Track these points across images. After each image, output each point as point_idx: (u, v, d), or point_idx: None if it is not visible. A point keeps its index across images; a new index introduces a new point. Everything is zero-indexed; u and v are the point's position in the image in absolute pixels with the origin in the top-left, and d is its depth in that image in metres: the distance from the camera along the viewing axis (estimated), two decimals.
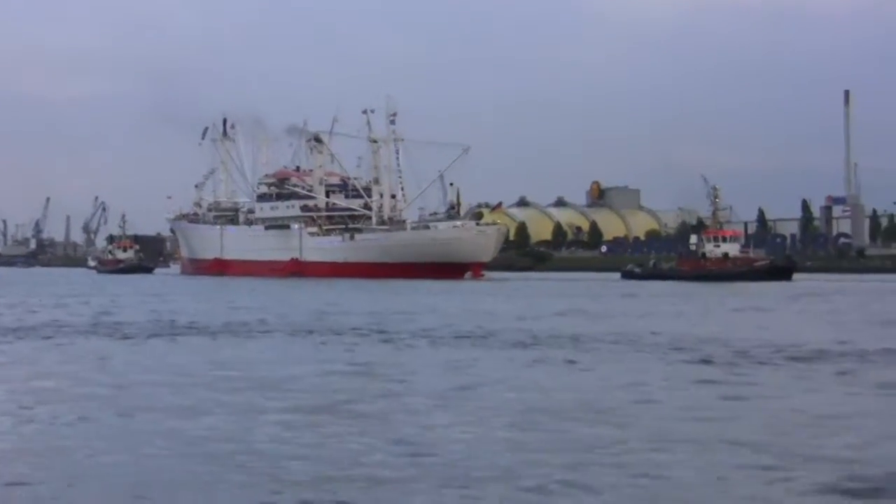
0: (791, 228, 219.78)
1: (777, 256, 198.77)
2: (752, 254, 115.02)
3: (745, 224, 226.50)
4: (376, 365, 25.89)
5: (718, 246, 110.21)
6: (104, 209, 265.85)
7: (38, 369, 25.17)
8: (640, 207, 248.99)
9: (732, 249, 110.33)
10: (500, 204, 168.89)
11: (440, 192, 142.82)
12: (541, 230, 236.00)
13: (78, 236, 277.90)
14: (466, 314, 47.70)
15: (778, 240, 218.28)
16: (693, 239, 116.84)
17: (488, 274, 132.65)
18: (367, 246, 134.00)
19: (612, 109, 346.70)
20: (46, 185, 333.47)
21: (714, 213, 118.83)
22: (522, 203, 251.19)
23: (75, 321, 42.95)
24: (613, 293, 76.79)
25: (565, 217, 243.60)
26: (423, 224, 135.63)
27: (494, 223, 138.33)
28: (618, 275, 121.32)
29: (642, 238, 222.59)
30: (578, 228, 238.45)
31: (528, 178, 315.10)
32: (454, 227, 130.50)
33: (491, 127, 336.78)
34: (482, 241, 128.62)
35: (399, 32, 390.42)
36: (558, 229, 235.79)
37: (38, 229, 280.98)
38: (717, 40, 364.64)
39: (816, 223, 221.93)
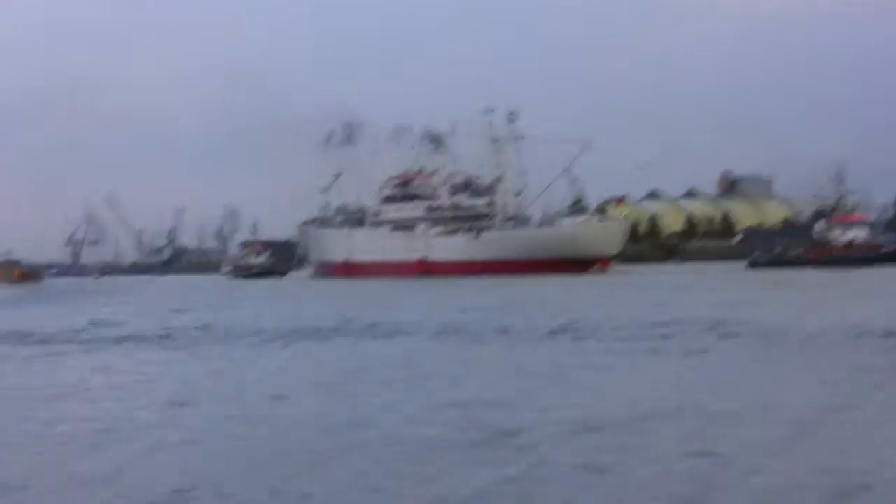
0: None
1: None
2: (879, 239, 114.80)
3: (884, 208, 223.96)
4: None
5: (844, 232, 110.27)
6: (235, 216, 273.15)
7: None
8: (773, 196, 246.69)
9: (859, 235, 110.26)
10: (622, 198, 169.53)
11: (564, 189, 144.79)
12: (672, 222, 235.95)
13: (211, 244, 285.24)
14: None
15: None
16: (818, 226, 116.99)
17: (618, 267, 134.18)
18: (494, 243, 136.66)
19: (742, 98, 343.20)
20: (179, 194, 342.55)
21: (839, 200, 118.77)
22: (652, 195, 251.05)
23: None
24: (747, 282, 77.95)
25: (697, 208, 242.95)
26: (547, 220, 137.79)
27: (620, 217, 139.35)
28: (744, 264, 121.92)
29: (776, 227, 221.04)
30: (710, 219, 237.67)
31: (658, 170, 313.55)
32: (579, 222, 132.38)
33: (616, 120, 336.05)
34: (607, 235, 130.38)
35: (515, 31, 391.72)
36: (690, 220, 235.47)
37: (172, 238, 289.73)
38: (847, 25, 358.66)
39: None
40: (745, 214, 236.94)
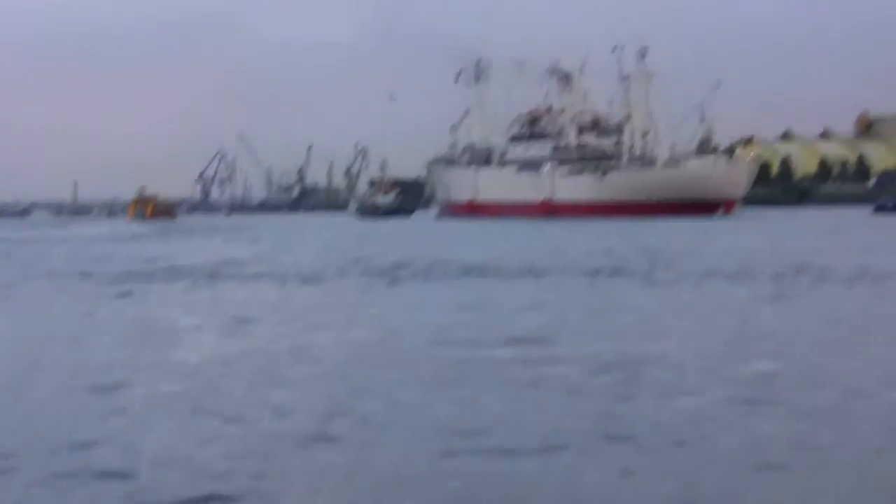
0: None
1: None
2: None
3: None
4: None
5: None
6: (365, 154, 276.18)
7: None
8: None
9: None
10: (751, 138, 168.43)
11: (692, 129, 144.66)
12: (806, 164, 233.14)
13: (340, 182, 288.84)
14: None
15: None
16: None
17: (746, 210, 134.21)
18: (618, 185, 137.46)
19: (879, 35, 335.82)
20: (308, 132, 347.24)
21: None
22: (786, 136, 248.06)
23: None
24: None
25: (831, 150, 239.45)
26: (673, 161, 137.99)
27: (747, 158, 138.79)
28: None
29: None
30: (845, 162, 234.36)
31: (792, 109, 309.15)
32: (705, 163, 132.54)
33: (751, 58, 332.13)
34: (733, 177, 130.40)
35: None
36: (824, 163, 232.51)
37: (301, 176, 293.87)
38: None
39: None
40: (881, 157, 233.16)
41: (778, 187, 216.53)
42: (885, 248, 47.28)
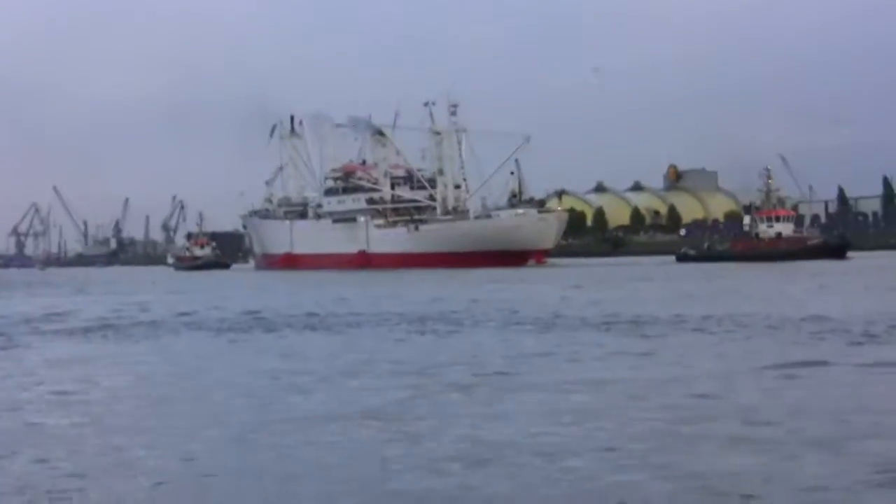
0: (873, 206, 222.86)
1: (856, 235, 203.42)
2: (805, 233, 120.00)
3: (826, 203, 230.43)
4: None
5: (772, 226, 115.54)
6: (182, 207, 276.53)
7: None
8: (719, 189, 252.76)
9: (786, 229, 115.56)
10: (563, 191, 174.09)
11: (503, 182, 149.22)
12: (619, 215, 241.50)
13: (157, 235, 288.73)
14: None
15: (859, 218, 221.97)
16: (746, 219, 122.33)
17: (555, 261, 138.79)
18: (432, 236, 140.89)
19: (685, 92, 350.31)
20: (124, 185, 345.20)
21: (767, 194, 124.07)
22: (599, 188, 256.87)
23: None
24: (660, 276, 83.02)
25: (643, 201, 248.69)
26: (485, 213, 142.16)
27: (556, 210, 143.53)
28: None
29: (721, 220, 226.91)
30: (657, 212, 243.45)
31: (605, 163, 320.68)
32: (515, 215, 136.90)
33: (562, 113, 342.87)
34: (543, 228, 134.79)
35: (458, 22, 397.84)
36: (636, 214, 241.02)
37: (118, 229, 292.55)
38: (790, 16, 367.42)
39: None
40: (690, 208, 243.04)
41: (592, 237, 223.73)
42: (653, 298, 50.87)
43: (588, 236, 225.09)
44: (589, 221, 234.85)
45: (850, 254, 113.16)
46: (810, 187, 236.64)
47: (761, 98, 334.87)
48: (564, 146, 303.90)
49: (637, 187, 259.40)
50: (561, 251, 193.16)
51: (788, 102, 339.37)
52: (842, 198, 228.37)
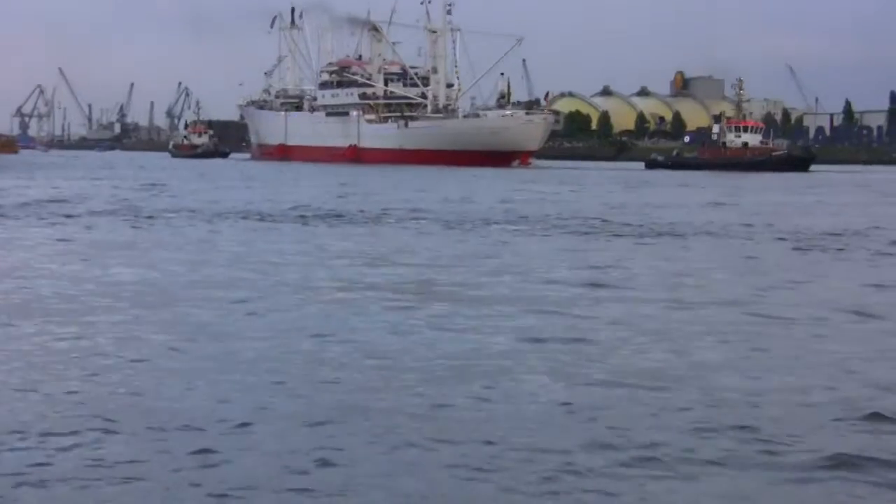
0: (878, 120, 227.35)
1: (859, 148, 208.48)
2: (772, 144, 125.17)
3: (831, 116, 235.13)
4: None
5: (739, 136, 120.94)
6: (187, 95, 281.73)
7: None
8: (725, 98, 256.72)
9: (753, 140, 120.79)
10: (547, 95, 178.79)
11: (495, 83, 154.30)
12: (624, 120, 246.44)
13: (162, 121, 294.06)
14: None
15: (864, 132, 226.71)
16: (715, 128, 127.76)
17: (540, 162, 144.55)
18: (420, 134, 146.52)
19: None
20: (130, 71, 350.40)
21: (738, 104, 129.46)
22: (605, 92, 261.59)
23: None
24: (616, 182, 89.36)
25: (648, 107, 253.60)
26: (473, 113, 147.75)
27: (543, 112, 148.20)
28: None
29: None
30: (661, 118, 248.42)
31: (612, 66, 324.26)
32: (503, 116, 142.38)
33: (571, 16, 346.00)
34: (529, 130, 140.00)
35: None
36: (641, 119, 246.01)
37: (122, 114, 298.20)
38: None
39: None
40: (695, 115, 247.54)
41: (597, 141, 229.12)
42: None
43: (593, 139, 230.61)
44: (594, 125, 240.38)
45: (813, 167, 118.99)
46: (816, 99, 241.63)
47: (772, 8, 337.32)
48: (570, 48, 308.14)
49: (643, 92, 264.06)
50: (565, 153, 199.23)
51: (799, 15, 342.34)
52: (848, 111, 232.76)
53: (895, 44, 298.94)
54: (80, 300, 19.09)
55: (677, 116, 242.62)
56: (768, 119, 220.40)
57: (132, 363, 13.97)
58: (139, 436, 10.64)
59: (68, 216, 40.07)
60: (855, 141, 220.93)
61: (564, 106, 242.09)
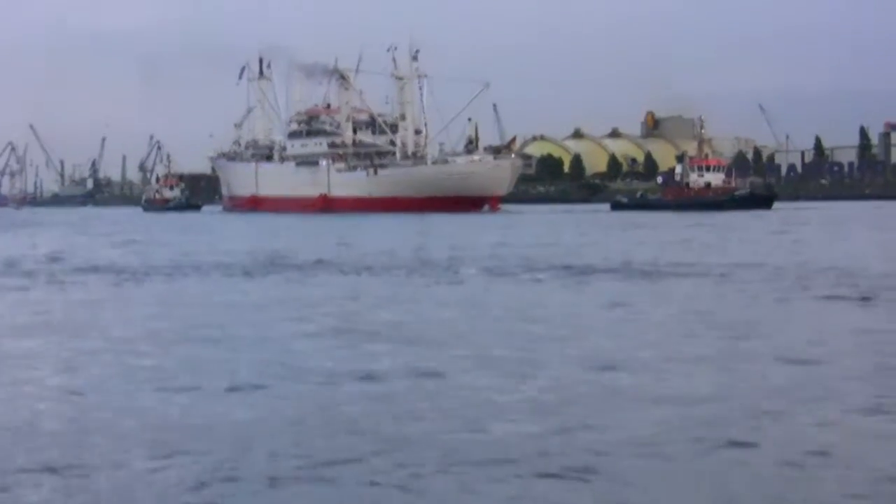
0: (849, 156, 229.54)
1: (832, 185, 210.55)
2: (735, 183, 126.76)
3: (802, 153, 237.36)
4: None
5: (702, 175, 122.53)
6: (159, 148, 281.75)
7: None
8: (695, 136, 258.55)
9: (715, 179, 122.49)
10: (513, 139, 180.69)
11: (463, 129, 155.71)
12: (596, 162, 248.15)
13: (135, 175, 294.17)
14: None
15: (835, 168, 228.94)
16: (678, 168, 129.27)
17: (509, 207, 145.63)
18: (390, 181, 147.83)
19: (666, 36, 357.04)
20: (102, 124, 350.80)
21: (700, 143, 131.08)
22: (577, 135, 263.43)
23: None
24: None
25: (620, 148, 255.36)
26: (442, 159, 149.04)
27: (511, 157, 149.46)
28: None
29: None
30: (633, 160, 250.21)
31: (583, 108, 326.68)
32: (471, 161, 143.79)
33: (541, 59, 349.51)
34: (497, 174, 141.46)
35: None
36: (613, 161, 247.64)
37: (94, 169, 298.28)
38: None
39: (875, 150, 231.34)
40: (667, 155, 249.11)
41: (570, 183, 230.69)
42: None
43: (566, 182, 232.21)
44: (566, 168, 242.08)
45: (777, 204, 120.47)
46: (787, 136, 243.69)
47: (740, 46, 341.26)
48: (541, 93, 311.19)
49: (615, 134, 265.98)
50: (538, 197, 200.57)
51: (767, 51, 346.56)
52: (818, 147, 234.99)
53: (862, 78, 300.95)
54: None
55: (649, 157, 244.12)
56: (740, 157, 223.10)
57: None
58: None
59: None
60: (827, 177, 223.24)
61: (536, 149, 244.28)
